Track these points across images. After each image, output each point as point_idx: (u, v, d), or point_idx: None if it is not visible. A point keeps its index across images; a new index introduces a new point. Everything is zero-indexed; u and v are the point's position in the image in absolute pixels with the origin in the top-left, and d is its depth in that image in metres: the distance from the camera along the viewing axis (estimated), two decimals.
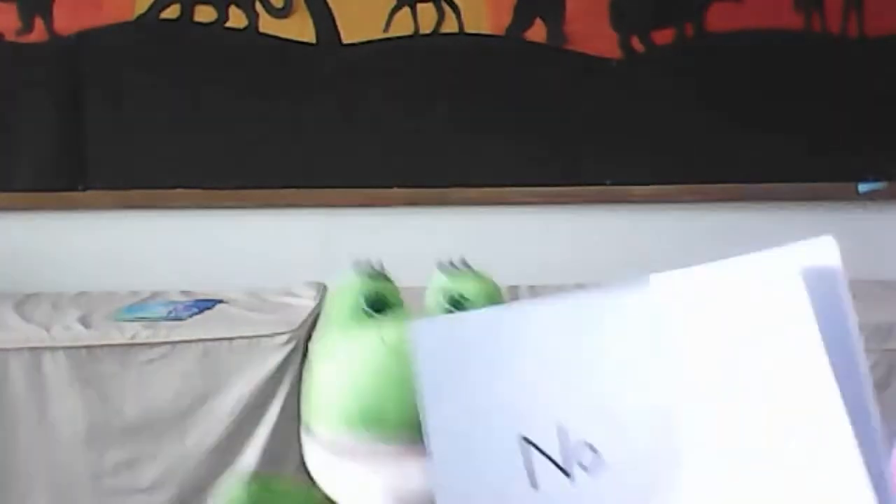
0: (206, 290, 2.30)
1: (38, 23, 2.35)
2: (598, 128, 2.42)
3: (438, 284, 1.07)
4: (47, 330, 1.97)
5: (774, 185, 2.44)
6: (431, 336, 0.83)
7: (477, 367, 0.82)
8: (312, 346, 1.09)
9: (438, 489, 0.79)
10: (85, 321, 2.02)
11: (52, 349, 1.94)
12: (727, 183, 2.43)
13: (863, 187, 2.43)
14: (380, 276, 1.10)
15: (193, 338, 1.95)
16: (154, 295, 2.28)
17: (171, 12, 2.36)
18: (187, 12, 2.36)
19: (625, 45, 2.40)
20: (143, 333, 1.94)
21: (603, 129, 2.42)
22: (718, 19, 2.40)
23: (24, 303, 2.20)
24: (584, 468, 0.77)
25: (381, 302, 1.07)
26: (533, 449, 0.78)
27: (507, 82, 2.41)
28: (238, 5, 2.36)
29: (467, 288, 1.06)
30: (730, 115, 2.43)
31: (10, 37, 2.35)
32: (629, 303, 0.83)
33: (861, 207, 2.45)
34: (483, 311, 0.88)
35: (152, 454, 1.95)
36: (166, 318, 2.02)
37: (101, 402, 1.94)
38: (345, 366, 0.98)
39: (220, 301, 2.20)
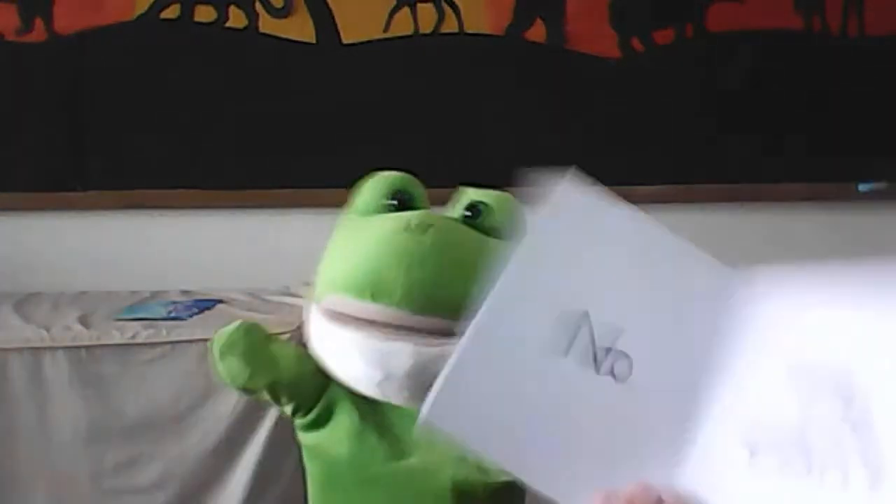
0: (206, 290, 2.30)
1: (38, 23, 2.35)
2: (597, 128, 2.42)
3: (461, 195, 1.10)
4: (47, 330, 1.97)
5: (774, 185, 2.44)
6: (571, 198, 0.86)
7: (584, 243, 0.84)
8: (335, 230, 1.11)
9: (484, 309, 0.78)
10: (85, 321, 2.01)
11: (52, 349, 1.94)
12: (727, 183, 2.44)
13: (863, 187, 2.43)
14: (410, 178, 1.12)
15: (193, 338, 1.95)
16: (154, 295, 2.28)
17: (171, 12, 2.36)
18: (187, 12, 2.36)
19: (625, 45, 2.40)
20: (143, 333, 1.94)
21: (603, 129, 2.42)
22: (718, 19, 2.40)
23: (24, 303, 2.20)
24: (612, 373, 0.78)
25: (408, 198, 1.09)
26: (585, 329, 0.79)
27: (507, 82, 2.41)
28: (238, 5, 2.36)
29: (486, 196, 1.10)
30: (730, 115, 2.43)
31: (10, 37, 2.35)
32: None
33: (861, 207, 2.45)
34: (622, 207, 0.90)
35: (152, 454, 1.95)
36: (166, 318, 2.02)
37: (101, 402, 1.94)
38: (362, 240, 1.01)
39: (220, 301, 2.20)
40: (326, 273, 1.04)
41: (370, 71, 2.39)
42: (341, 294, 0.99)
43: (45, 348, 1.94)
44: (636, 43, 2.40)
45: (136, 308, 2.13)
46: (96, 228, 2.44)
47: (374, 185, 1.11)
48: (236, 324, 1.10)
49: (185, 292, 2.30)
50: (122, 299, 2.23)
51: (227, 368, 1.08)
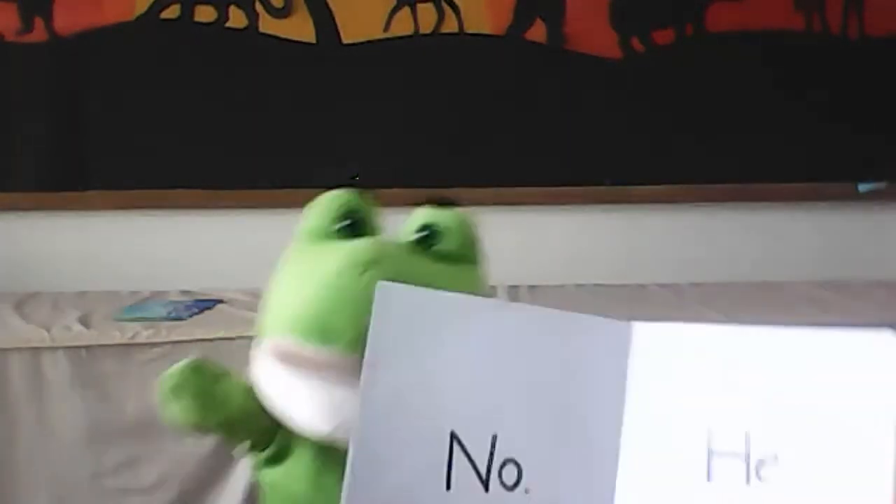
0: (206, 290, 2.30)
1: (38, 23, 2.35)
2: (598, 128, 2.42)
3: (416, 216, 1.06)
4: (47, 330, 1.97)
5: (774, 185, 2.44)
6: (398, 300, 0.79)
7: (432, 346, 0.78)
8: (285, 257, 1.07)
9: (354, 460, 0.75)
10: (85, 321, 2.01)
11: (52, 349, 1.94)
12: (727, 183, 2.43)
13: (863, 187, 2.43)
14: (361, 197, 1.07)
15: (193, 338, 1.95)
16: (154, 295, 2.28)
17: (171, 12, 2.36)
18: (187, 12, 2.36)
19: (625, 45, 2.40)
20: (143, 333, 1.94)
21: (603, 129, 2.42)
22: (718, 19, 2.40)
23: (24, 303, 2.20)
24: (504, 485, 0.75)
25: (359, 220, 1.04)
26: (459, 448, 0.75)
27: (507, 82, 2.41)
28: (238, 5, 2.36)
29: (440, 217, 1.04)
30: (730, 116, 2.43)
31: (10, 37, 2.35)
32: (608, 331, 0.81)
33: (861, 207, 2.44)
34: (458, 295, 0.83)
35: (152, 454, 1.95)
36: (166, 318, 2.02)
37: (101, 402, 1.94)
38: (310, 280, 0.97)
39: (220, 301, 2.20)
40: (275, 311, 1.01)
41: (370, 71, 2.39)
42: (290, 335, 0.96)
43: (45, 348, 1.94)
44: (636, 43, 2.40)
45: (136, 308, 2.13)
46: (96, 228, 2.44)
47: (324, 208, 1.08)
48: (184, 363, 1.07)
49: (185, 292, 2.30)
50: (122, 299, 2.23)
51: (178, 410, 1.05)
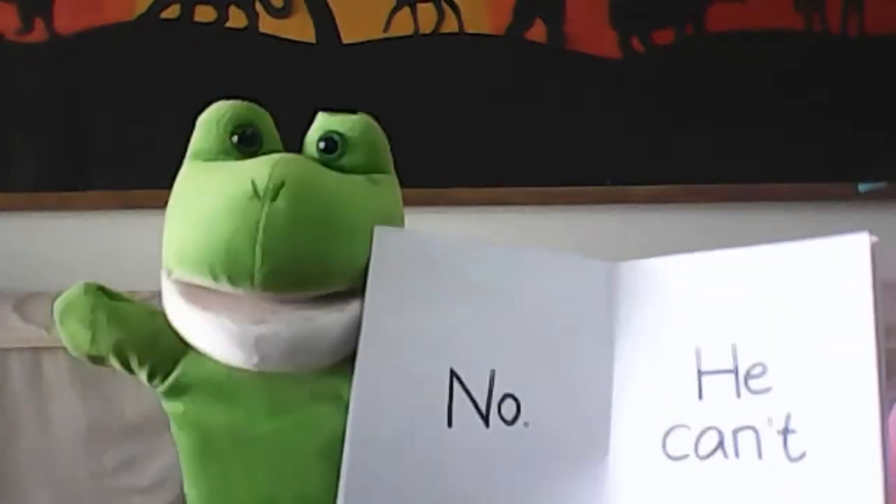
0: None
1: (38, 23, 2.35)
2: (598, 128, 2.42)
3: (315, 125, 1.01)
4: (47, 330, 1.97)
5: (774, 185, 2.44)
6: (394, 245, 0.80)
7: (432, 290, 0.79)
8: (178, 179, 0.99)
9: (356, 398, 0.75)
10: None
11: (52, 349, 1.94)
12: (727, 183, 2.43)
13: (863, 187, 2.43)
14: (252, 108, 1.00)
15: None
16: (154, 295, 2.27)
17: (171, 12, 2.36)
18: (187, 12, 2.36)
19: (625, 45, 2.40)
20: None
21: (603, 129, 2.42)
22: (718, 19, 2.40)
23: (24, 303, 2.20)
24: (504, 419, 0.76)
25: (253, 133, 0.97)
26: (458, 385, 0.75)
27: (507, 82, 2.41)
28: (238, 5, 2.36)
29: (342, 125, 1.01)
30: (730, 116, 2.43)
31: (10, 37, 2.35)
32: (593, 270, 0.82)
33: (861, 207, 2.44)
34: (453, 238, 0.85)
35: (152, 454, 1.95)
36: None
37: (101, 402, 1.94)
38: (205, 205, 0.89)
39: None
40: (172, 241, 0.95)
41: (370, 71, 2.39)
42: (196, 274, 0.90)
43: (45, 348, 1.94)
44: (636, 43, 2.40)
45: None
46: (96, 228, 2.44)
47: (211, 122, 1.00)
48: (76, 285, 1.02)
49: None
50: None
51: (68, 333, 1.00)
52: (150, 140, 2.41)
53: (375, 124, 1.02)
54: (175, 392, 0.98)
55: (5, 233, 2.41)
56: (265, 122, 0.99)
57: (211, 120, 0.99)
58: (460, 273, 0.80)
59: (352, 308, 0.84)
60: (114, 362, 1.01)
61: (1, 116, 2.39)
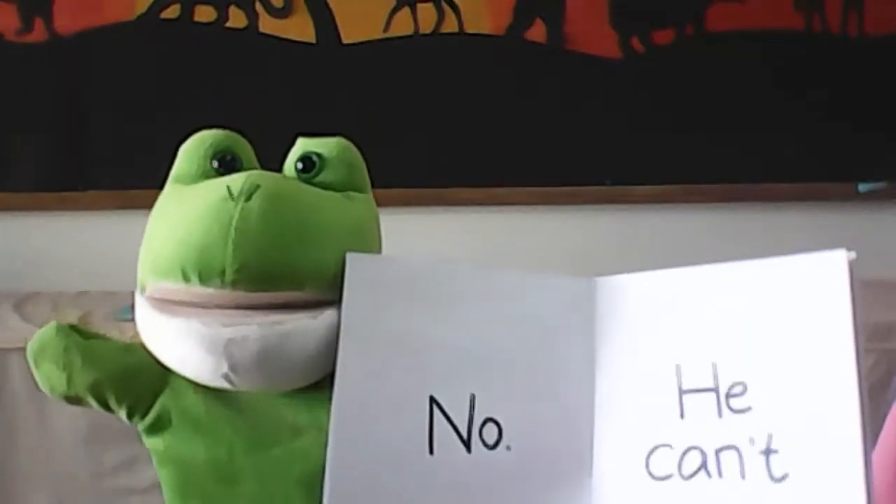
0: None
1: (38, 23, 2.35)
2: (598, 128, 2.42)
3: (295, 148, 1.01)
4: None
5: (774, 185, 2.44)
6: (368, 270, 0.79)
7: (408, 315, 0.78)
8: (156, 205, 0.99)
9: (335, 429, 0.75)
10: (85, 321, 2.01)
11: None
12: (727, 183, 2.43)
13: (863, 187, 2.43)
14: (234, 136, 0.98)
15: None
16: None
17: (171, 12, 2.36)
18: (187, 12, 2.36)
19: (625, 45, 2.40)
20: None
21: (603, 129, 2.42)
22: (718, 19, 2.40)
23: (24, 303, 2.20)
24: (486, 444, 0.75)
25: (232, 160, 0.95)
26: (439, 412, 0.75)
27: (507, 82, 2.41)
28: (238, 5, 2.36)
29: (321, 146, 0.97)
30: (730, 116, 2.42)
31: (10, 37, 2.35)
32: (571, 288, 0.82)
33: (861, 207, 2.44)
34: (429, 261, 0.84)
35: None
36: None
37: None
38: (180, 215, 0.89)
39: None
40: (147, 257, 0.92)
41: (370, 71, 2.39)
42: (165, 280, 0.87)
43: None
44: (636, 43, 2.40)
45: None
46: (96, 228, 2.44)
47: (193, 149, 0.98)
48: (48, 326, 1.01)
49: None
50: (122, 299, 2.22)
51: (43, 376, 0.99)
52: (150, 140, 2.40)
53: (352, 146, 1.02)
54: (155, 429, 0.97)
55: (5, 233, 2.41)
56: (245, 149, 0.99)
57: (192, 147, 0.99)
58: (437, 296, 0.79)
59: (324, 317, 0.82)
60: (91, 402, 0.98)
61: (1, 116, 2.39)
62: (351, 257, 0.79)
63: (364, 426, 0.75)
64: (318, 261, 0.85)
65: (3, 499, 1.97)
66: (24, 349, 1.93)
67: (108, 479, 1.97)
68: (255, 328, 0.82)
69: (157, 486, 2.03)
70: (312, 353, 0.83)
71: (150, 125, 2.38)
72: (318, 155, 0.97)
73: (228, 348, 0.83)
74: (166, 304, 0.87)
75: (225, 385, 0.87)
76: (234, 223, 0.84)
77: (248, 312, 0.84)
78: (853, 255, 0.71)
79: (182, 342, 0.86)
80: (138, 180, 2.42)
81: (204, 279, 0.84)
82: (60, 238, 2.44)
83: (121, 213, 2.42)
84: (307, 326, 0.82)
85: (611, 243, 2.45)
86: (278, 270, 0.84)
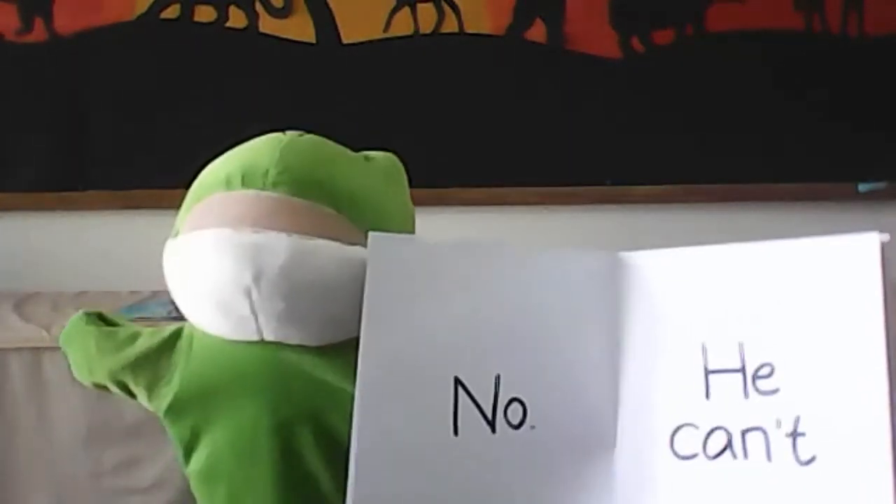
0: None
1: (38, 23, 2.35)
2: (597, 128, 2.42)
3: None
4: (47, 330, 1.97)
5: (774, 185, 2.44)
6: (391, 250, 0.79)
7: (431, 295, 0.77)
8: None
9: (360, 411, 0.74)
10: None
11: (52, 349, 1.94)
12: (727, 183, 2.43)
13: (863, 187, 2.43)
14: None
15: None
16: (154, 295, 2.28)
17: (171, 12, 2.36)
18: (187, 12, 2.36)
19: (625, 45, 2.40)
20: None
21: (603, 129, 2.42)
22: (718, 19, 2.40)
23: (24, 303, 2.20)
24: (510, 424, 0.75)
25: None
26: (463, 392, 0.74)
27: (507, 82, 2.41)
28: (238, 5, 2.36)
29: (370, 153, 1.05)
30: (730, 116, 2.42)
31: (10, 37, 2.35)
32: (596, 264, 0.81)
33: (861, 207, 2.44)
34: (451, 241, 0.83)
35: (152, 454, 1.95)
36: (166, 318, 2.02)
37: (101, 402, 1.94)
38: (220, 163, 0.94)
39: None
40: (189, 197, 0.97)
41: (370, 71, 2.39)
42: (206, 196, 0.90)
43: (45, 348, 1.94)
44: (636, 43, 2.40)
45: (135, 308, 2.13)
46: (96, 228, 2.44)
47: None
48: (78, 314, 1.05)
49: None
50: (122, 299, 2.23)
51: (73, 364, 1.02)
52: (150, 140, 2.41)
53: (397, 161, 1.11)
54: (175, 411, 0.96)
55: (5, 233, 2.41)
56: None
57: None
58: (459, 275, 0.79)
59: (353, 250, 0.83)
60: (113, 388, 1.01)
61: (1, 116, 2.39)
62: (374, 237, 0.79)
63: (388, 409, 0.74)
64: (355, 187, 0.89)
65: (3, 499, 1.97)
66: (24, 349, 1.94)
67: (108, 479, 1.97)
68: (283, 237, 0.84)
69: (157, 486, 2.05)
70: (337, 283, 0.82)
71: (150, 125, 2.39)
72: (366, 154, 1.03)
73: (255, 254, 0.83)
74: (199, 222, 0.90)
75: (244, 312, 0.86)
76: (283, 143, 0.91)
77: (282, 224, 0.85)
78: (886, 237, 0.71)
79: (208, 255, 0.87)
80: (138, 180, 2.43)
81: (247, 181, 0.87)
82: (60, 238, 2.44)
83: (121, 213, 2.42)
84: (335, 250, 0.83)
85: (611, 243, 2.44)
86: (318, 179, 0.87)
